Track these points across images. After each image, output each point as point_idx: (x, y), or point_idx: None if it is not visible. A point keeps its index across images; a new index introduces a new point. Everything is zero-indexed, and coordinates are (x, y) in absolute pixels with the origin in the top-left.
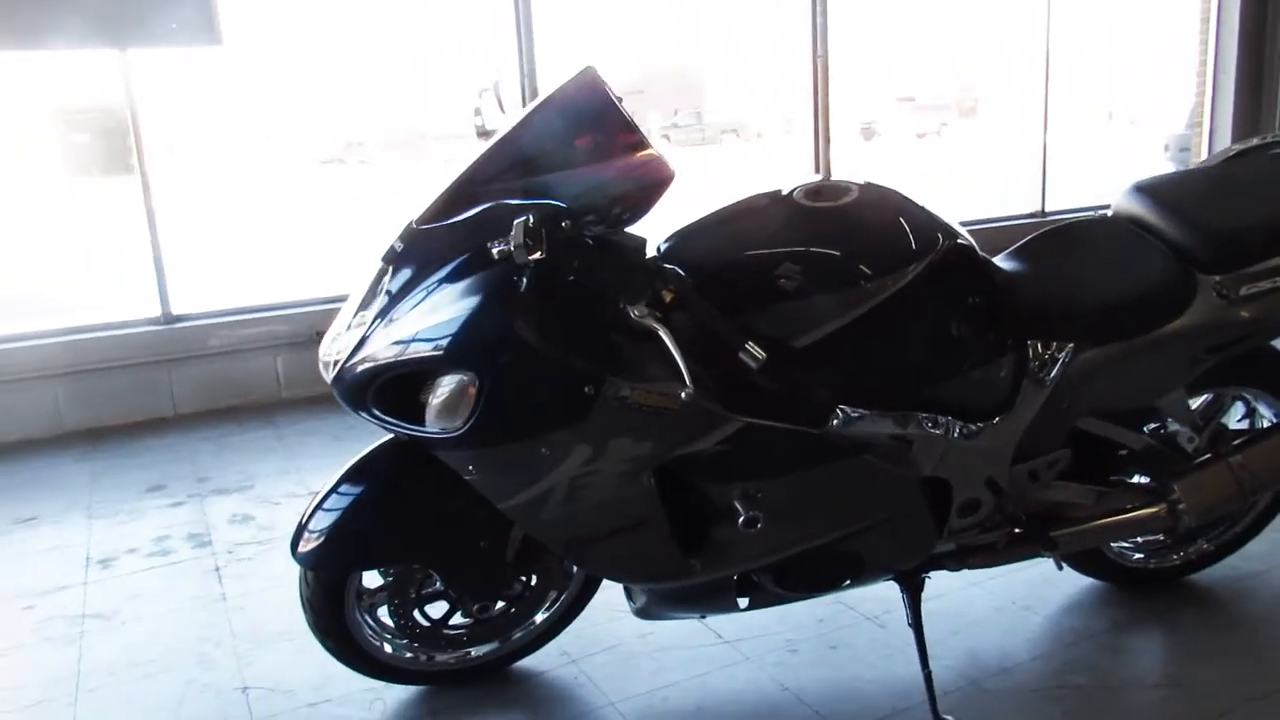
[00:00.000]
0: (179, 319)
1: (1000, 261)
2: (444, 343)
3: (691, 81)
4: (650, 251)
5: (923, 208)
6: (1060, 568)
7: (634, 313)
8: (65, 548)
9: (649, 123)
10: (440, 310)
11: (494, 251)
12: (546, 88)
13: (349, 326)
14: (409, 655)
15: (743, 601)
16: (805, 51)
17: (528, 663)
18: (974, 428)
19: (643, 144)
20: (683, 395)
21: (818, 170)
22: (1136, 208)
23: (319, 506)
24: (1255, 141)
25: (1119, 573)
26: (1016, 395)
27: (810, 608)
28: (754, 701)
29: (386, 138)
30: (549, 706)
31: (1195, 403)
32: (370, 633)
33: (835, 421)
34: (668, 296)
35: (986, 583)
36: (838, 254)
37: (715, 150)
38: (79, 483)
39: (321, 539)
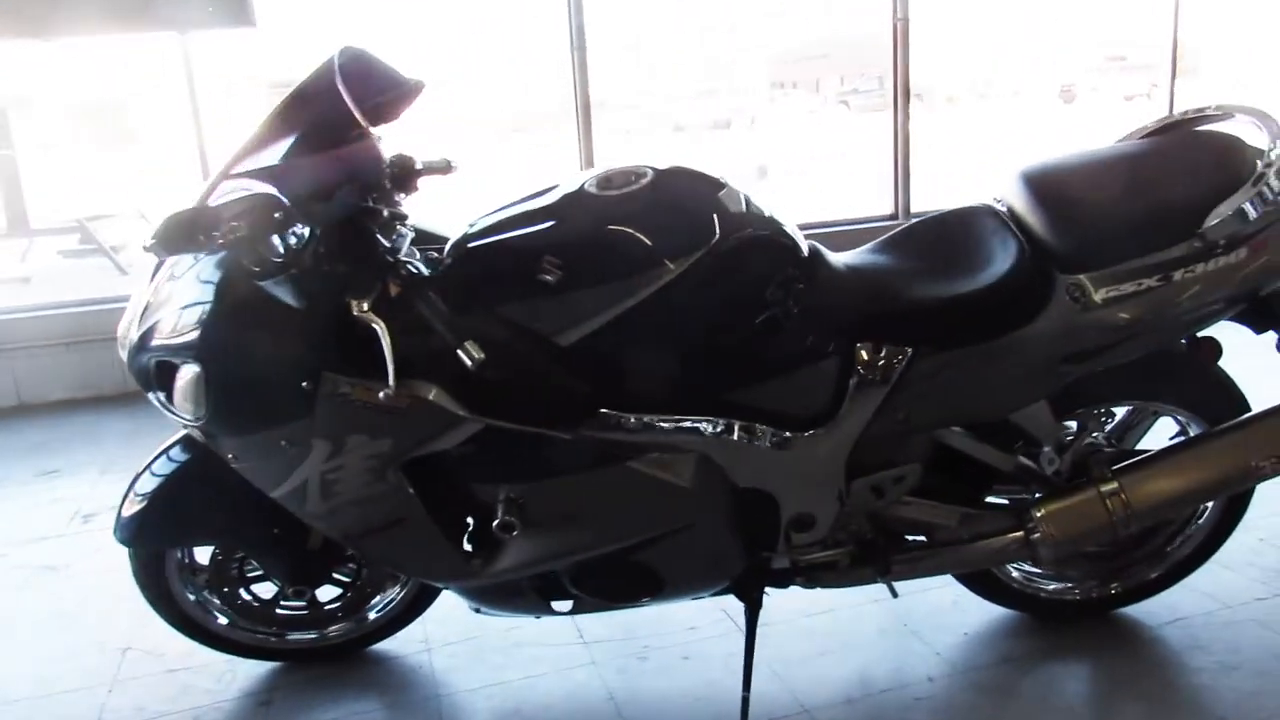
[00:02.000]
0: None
1: (854, 255)
2: (174, 332)
3: (880, 45)
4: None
5: (716, 197)
6: (894, 595)
7: (355, 308)
8: (64, 501)
9: (826, 88)
10: (178, 298)
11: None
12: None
13: (137, 309)
14: (259, 634)
15: (563, 605)
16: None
17: (386, 644)
18: (792, 437)
19: (357, 132)
20: (381, 395)
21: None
22: (1013, 195)
23: (133, 484)
24: (1189, 112)
25: (1034, 603)
26: (842, 403)
27: (689, 613)
28: (569, 708)
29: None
30: (379, 691)
31: (1119, 414)
32: (198, 608)
33: (593, 425)
34: (394, 291)
35: (885, 602)
36: (599, 246)
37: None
38: (112, 440)
39: (133, 516)
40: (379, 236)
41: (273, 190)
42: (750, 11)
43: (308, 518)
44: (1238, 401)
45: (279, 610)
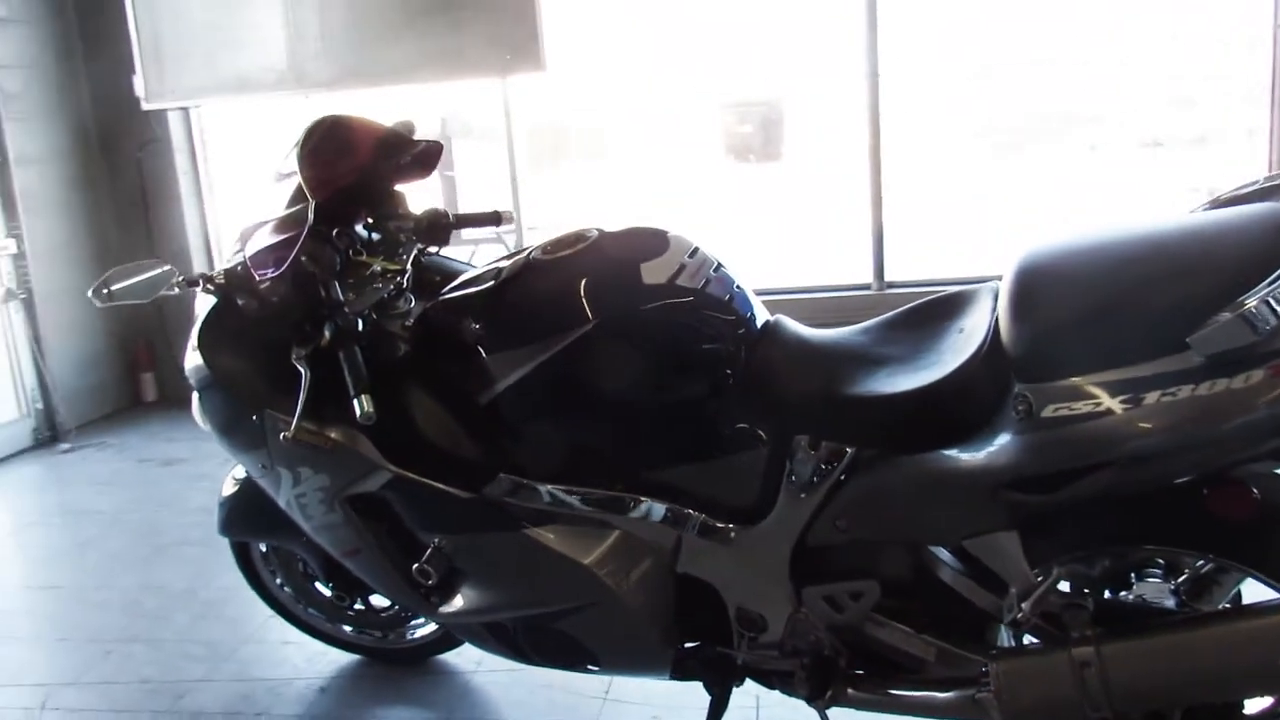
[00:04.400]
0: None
1: (833, 334)
2: (182, 359)
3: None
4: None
5: (636, 267)
6: None
7: (294, 354)
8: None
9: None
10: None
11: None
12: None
13: None
14: (334, 625)
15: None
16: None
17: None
18: (724, 529)
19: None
20: (281, 436)
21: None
22: (1009, 279)
23: (227, 476)
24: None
25: None
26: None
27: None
28: None
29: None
30: (416, 698)
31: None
32: (286, 596)
33: (495, 488)
34: (324, 339)
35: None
36: (512, 310)
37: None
38: None
39: (221, 506)
40: (333, 292)
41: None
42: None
43: (308, 531)
44: None
45: (342, 607)
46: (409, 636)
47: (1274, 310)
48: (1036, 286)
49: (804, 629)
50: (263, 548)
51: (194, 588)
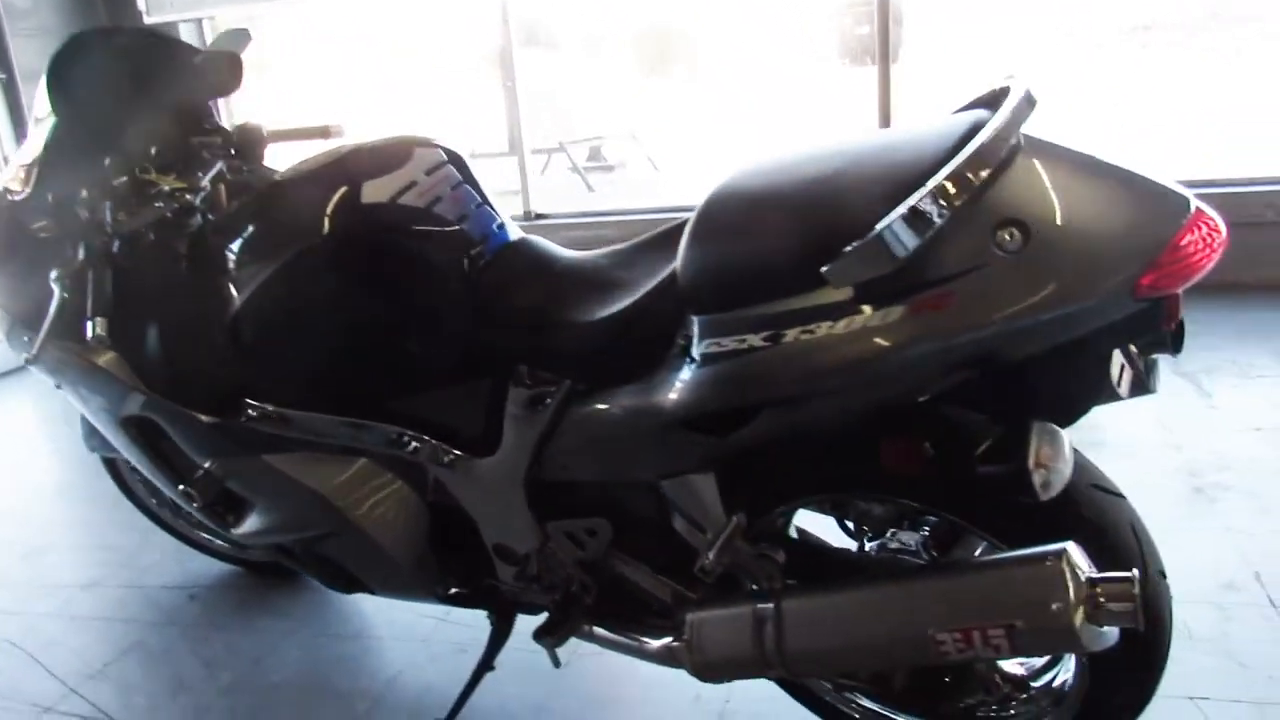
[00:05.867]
0: None
1: (595, 256)
2: None
3: None
4: None
5: (357, 186)
6: (557, 665)
7: (54, 276)
8: None
9: None
10: None
11: None
12: None
13: None
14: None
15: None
16: None
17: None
18: (459, 459)
19: None
20: (23, 357)
21: None
22: (699, 204)
23: None
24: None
25: None
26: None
27: None
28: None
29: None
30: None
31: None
32: (155, 507)
33: (237, 413)
34: (78, 264)
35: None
36: (246, 229)
37: None
38: None
39: (84, 422)
40: (95, 213)
41: None
42: None
43: None
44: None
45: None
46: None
47: (914, 231)
48: (711, 212)
49: (554, 564)
50: None
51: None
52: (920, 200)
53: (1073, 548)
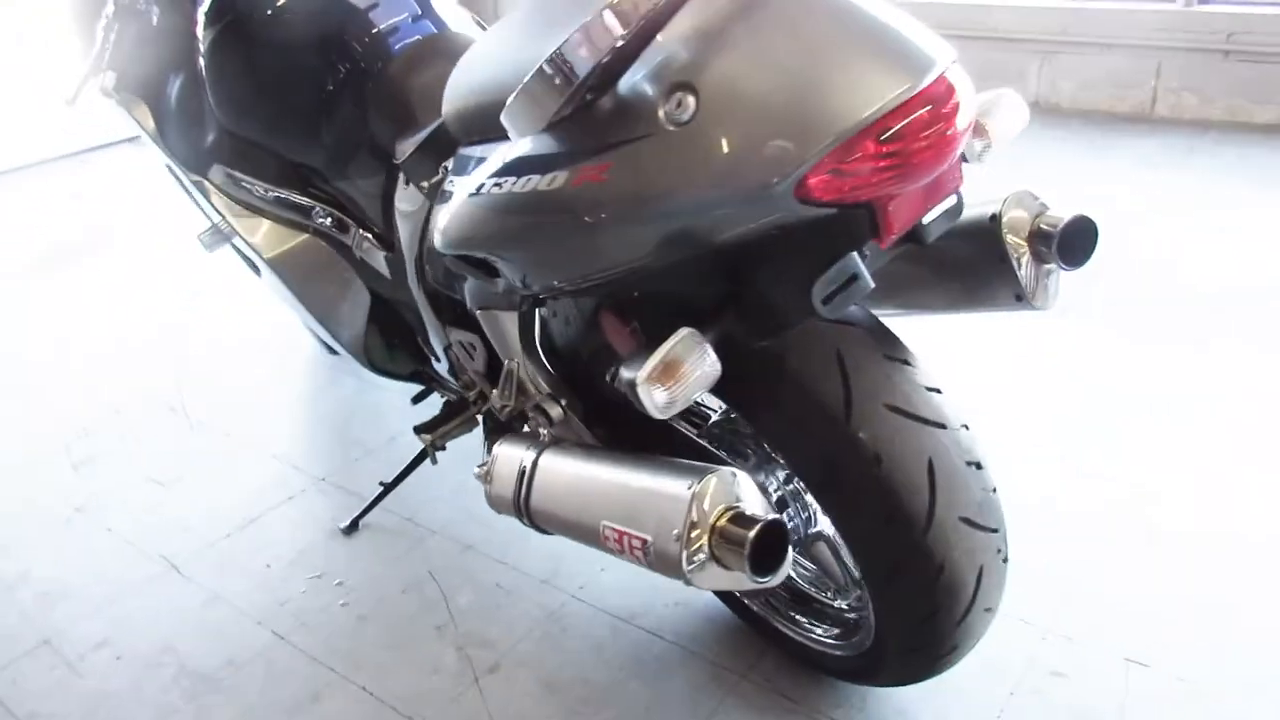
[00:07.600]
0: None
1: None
2: None
3: None
4: None
5: None
6: (434, 462)
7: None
8: None
9: None
10: None
11: None
12: None
13: None
14: None
15: None
16: None
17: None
18: (368, 243)
19: None
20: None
21: None
22: None
23: None
24: None
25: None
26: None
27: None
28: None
29: None
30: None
31: None
32: None
33: (216, 176)
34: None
35: None
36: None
37: None
38: None
39: None
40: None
41: None
42: None
43: None
44: None
45: None
46: None
47: (576, 65)
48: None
49: (459, 368)
50: None
51: None
52: (587, 27)
53: (725, 474)
